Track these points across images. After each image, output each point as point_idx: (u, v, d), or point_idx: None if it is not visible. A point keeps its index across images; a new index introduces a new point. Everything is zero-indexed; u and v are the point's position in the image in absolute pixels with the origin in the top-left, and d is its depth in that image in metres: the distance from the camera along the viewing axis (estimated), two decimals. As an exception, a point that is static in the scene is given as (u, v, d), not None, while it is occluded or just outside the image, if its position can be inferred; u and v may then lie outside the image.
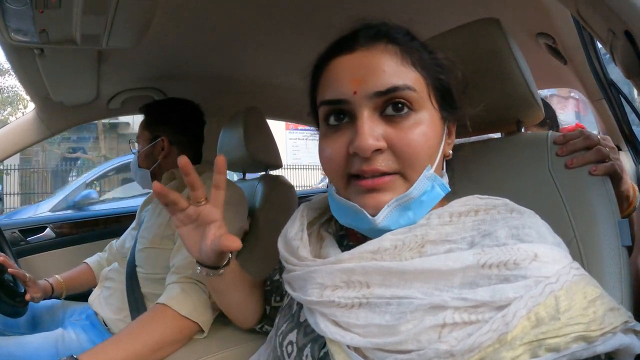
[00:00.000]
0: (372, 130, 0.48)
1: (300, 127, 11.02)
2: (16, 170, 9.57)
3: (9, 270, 1.05)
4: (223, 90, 1.54)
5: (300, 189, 6.12)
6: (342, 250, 0.54)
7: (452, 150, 0.58)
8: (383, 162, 0.49)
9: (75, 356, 0.75)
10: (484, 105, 0.59)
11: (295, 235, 0.59)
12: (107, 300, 1.14)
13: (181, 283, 0.94)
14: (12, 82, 11.07)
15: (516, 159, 0.69)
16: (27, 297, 1.08)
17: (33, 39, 0.91)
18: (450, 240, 0.48)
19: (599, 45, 1.24)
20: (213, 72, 1.40)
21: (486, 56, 0.68)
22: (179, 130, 1.25)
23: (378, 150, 0.48)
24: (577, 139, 0.64)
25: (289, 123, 10.23)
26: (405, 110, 0.49)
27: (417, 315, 0.42)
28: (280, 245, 0.62)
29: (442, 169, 0.56)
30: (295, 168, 9.54)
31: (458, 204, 0.52)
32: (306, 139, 11.40)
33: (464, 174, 0.64)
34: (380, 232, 0.50)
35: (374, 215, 0.49)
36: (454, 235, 0.49)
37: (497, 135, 0.80)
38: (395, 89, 0.48)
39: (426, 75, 0.52)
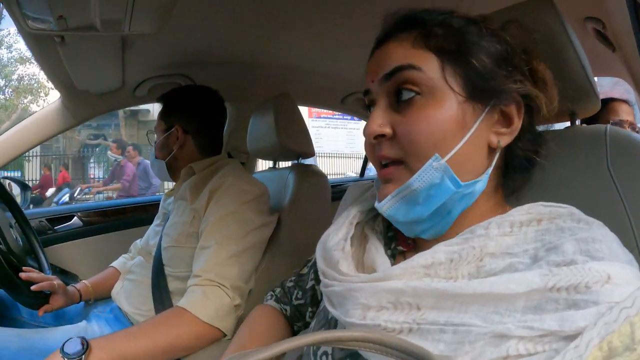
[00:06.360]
0: (379, 117, 0.49)
1: (323, 114, 10.88)
2: (38, 157, 9.74)
3: (32, 287, 0.98)
4: (252, 76, 1.48)
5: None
6: (389, 256, 0.52)
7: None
8: (388, 149, 0.49)
9: (86, 339, 0.76)
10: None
11: (337, 245, 0.53)
12: (129, 294, 1.12)
13: (203, 286, 0.91)
14: (33, 69, 11.16)
15: (572, 155, 0.61)
16: (40, 311, 1.02)
17: (51, 27, 0.86)
18: (511, 254, 0.43)
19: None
20: (241, 57, 1.34)
21: (539, 39, 0.59)
22: (192, 117, 1.19)
23: (383, 137, 0.49)
24: None
25: (312, 111, 10.20)
26: (412, 94, 0.48)
27: (476, 346, 0.38)
28: (318, 253, 0.56)
29: (491, 165, 0.49)
30: (320, 156, 9.57)
31: (520, 213, 0.46)
32: (328, 127, 11.32)
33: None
34: (416, 231, 0.51)
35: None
36: (515, 248, 0.44)
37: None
38: (399, 68, 0.48)
39: (446, 56, 0.48)
